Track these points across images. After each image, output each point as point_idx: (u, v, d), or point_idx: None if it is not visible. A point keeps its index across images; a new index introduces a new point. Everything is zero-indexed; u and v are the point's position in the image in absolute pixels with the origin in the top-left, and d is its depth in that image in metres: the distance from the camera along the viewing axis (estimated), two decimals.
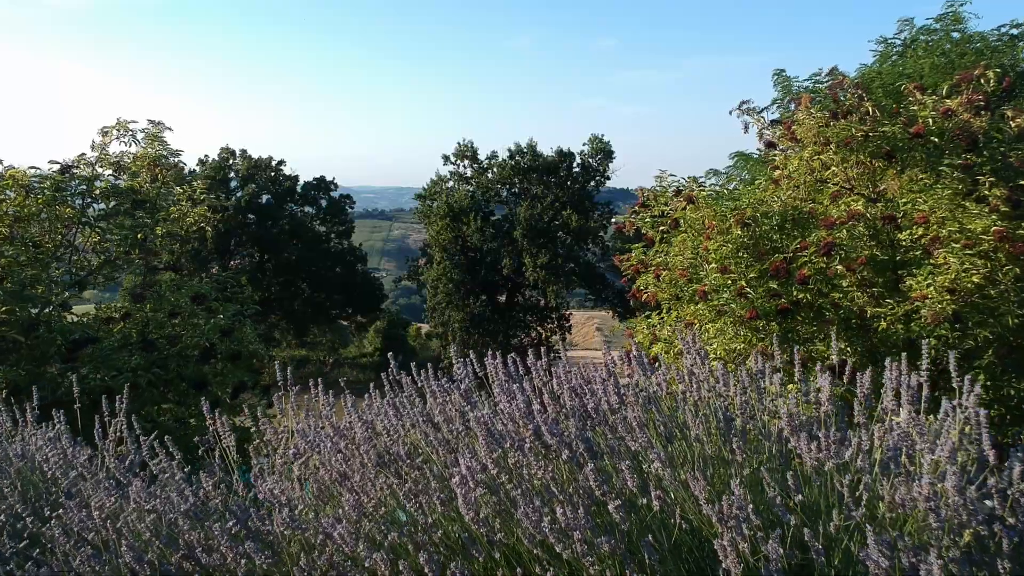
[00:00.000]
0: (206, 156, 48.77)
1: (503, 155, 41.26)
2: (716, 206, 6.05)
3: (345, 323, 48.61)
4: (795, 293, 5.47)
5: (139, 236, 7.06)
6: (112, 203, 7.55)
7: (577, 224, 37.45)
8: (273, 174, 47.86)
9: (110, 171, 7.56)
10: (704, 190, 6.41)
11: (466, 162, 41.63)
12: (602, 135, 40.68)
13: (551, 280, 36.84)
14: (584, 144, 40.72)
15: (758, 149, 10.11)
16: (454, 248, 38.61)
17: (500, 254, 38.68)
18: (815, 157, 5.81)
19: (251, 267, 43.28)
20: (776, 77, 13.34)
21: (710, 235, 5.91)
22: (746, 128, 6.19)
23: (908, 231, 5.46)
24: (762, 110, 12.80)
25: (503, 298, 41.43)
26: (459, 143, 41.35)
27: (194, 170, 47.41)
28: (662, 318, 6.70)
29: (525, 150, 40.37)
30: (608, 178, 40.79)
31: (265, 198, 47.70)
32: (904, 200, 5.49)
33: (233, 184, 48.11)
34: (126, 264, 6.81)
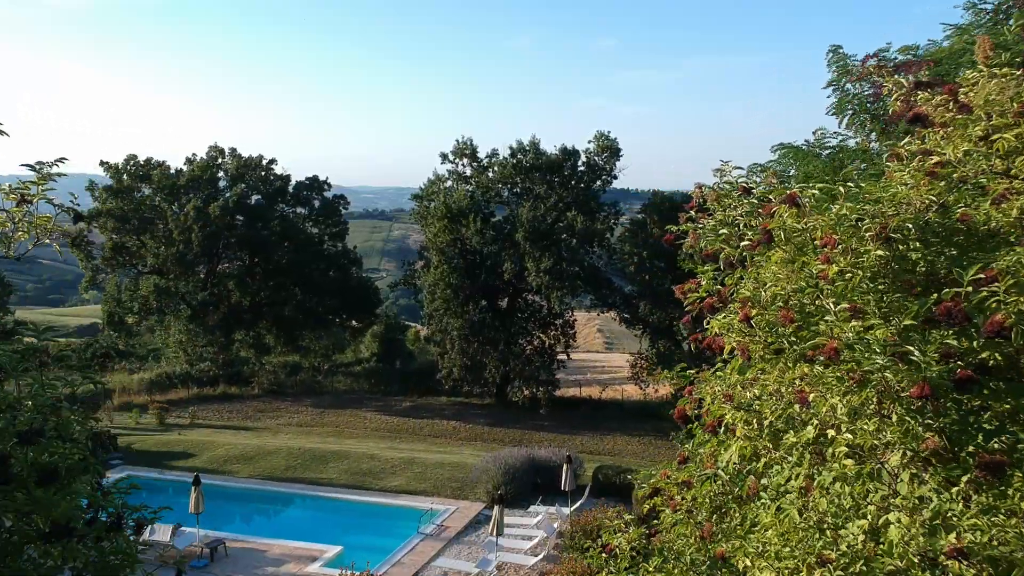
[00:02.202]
0: (194, 155, 46.78)
1: (504, 153, 39.24)
2: (838, 209, 3.97)
3: (340, 328, 46.50)
4: (981, 352, 3.40)
5: None
6: None
7: (582, 226, 35.36)
8: (264, 173, 45.84)
9: None
10: (811, 187, 4.32)
11: (465, 160, 39.54)
12: (608, 132, 38.63)
13: (555, 285, 34.73)
14: (589, 142, 38.65)
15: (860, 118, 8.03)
16: (452, 251, 36.52)
17: (501, 257, 36.58)
18: (996, 136, 3.73)
19: (239, 270, 41.14)
20: (831, 55, 11.24)
21: (829, 255, 3.83)
22: (880, 92, 4.09)
23: None
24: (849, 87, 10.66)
25: (504, 303, 39.36)
26: (458, 141, 39.29)
27: (181, 169, 45.44)
28: (749, 375, 4.59)
29: (527, 148, 38.26)
30: (615, 177, 38.68)
31: (255, 198, 45.67)
32: None
33: (222, 183, 46.11)
34: None
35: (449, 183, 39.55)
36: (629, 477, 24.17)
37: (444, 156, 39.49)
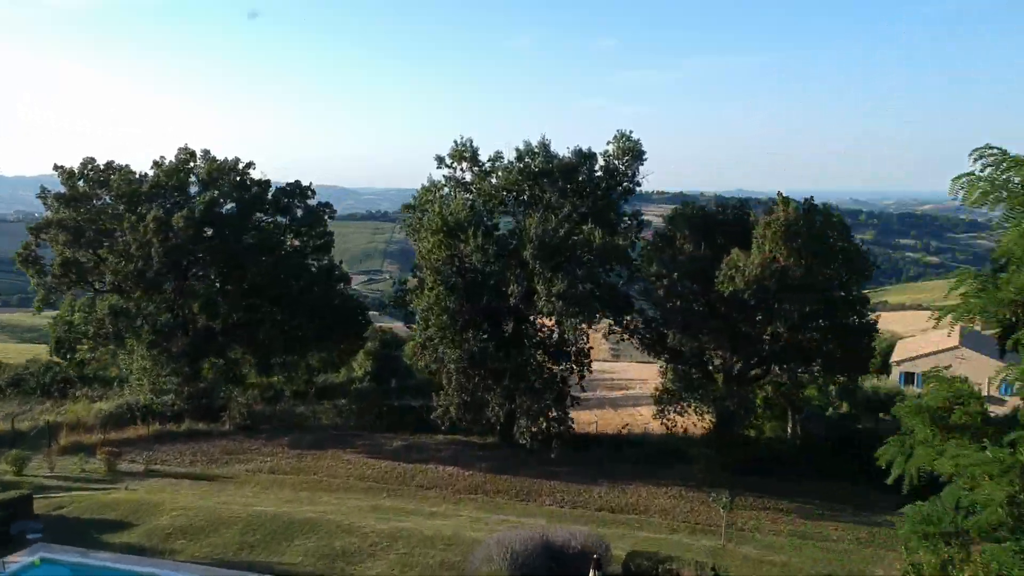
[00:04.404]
0: (162, 158, 41.80)
1: (509, 156, 34.06)
2: None
3: (323, 353, 41.35)
4: None
5: None
6: None
7: (601, 241, 30.22)
8: (239, 178, 40.76)
9: None
10: None
11: (465, 165, 34.40)
12: (630, 132, 33.48)
13: (570, 312, 29.61)
14: (608, 143, 33.51)
15: None
16: (449, 270, 31.45)
17: (505, 277, 31.48)
18: None
19: (207, 290, 35.96)
20: None
21: None
22: None
23: None
24: None
25: (509, 327, 34.19)
26: (456, 142, 34.12)
27: (146, 174, 40.50)
28: None
29: (536, 150, 33.14)
30: (638, 184, 33.55)
31: (230, 206, 40.59)
32: None
33: (194, 189, 41.09)
34: None
35: (446, 190, 34.43)
36: (671, 568, 19.13)
37: (440, 160, 34.37)
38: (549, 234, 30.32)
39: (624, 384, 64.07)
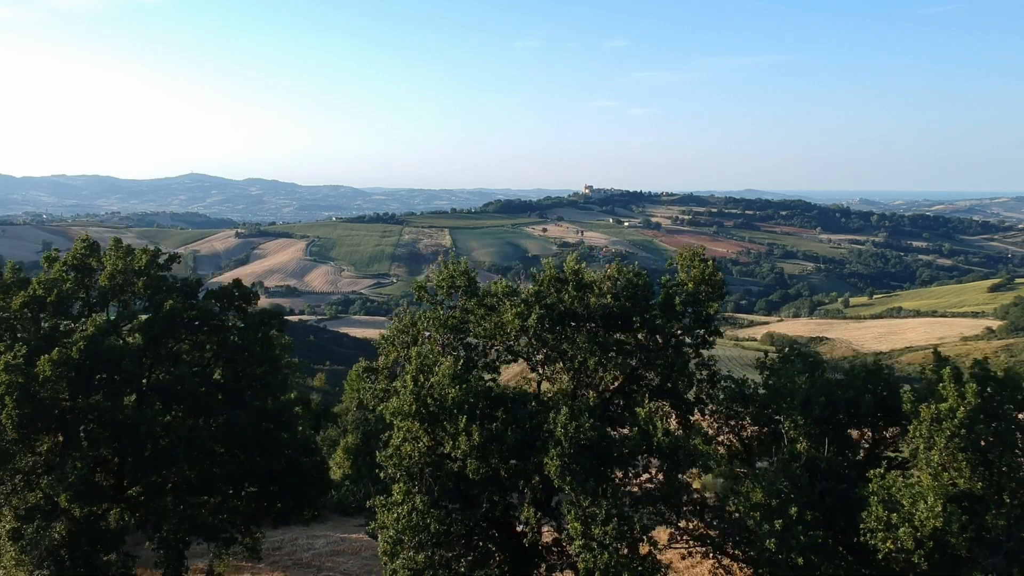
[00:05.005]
0: (55, 251, 31.12)
1: (516, 273, 23.03)
2: None
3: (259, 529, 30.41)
4: None
5: None
6: None
7: (666, 439, 19.09)
8: (155, 279, 29.82)
9: None
10: None
11: (458, 295, 23.25)
12: (701, 248, 22.30)
13: (620, 564, 18.48)
14: (672, 266, 22.38)
15: None
16: (430, 471, 20.45)
17: (518, 486, 20.46)
18: None
19: (81, 473, 24.78)
20: None
21: None
22: None
23: None
24: None
25: (522, 535, 23.17)
26: (445, 263, 22.95)
27: (25, 277, 29.84)
28: None
29: (564, 276, 22.03)
30: (720, 333, 22.38)
31: (136, 321, 29.69)
32: None
33: (96, 293, 30.37)
34: None
35: (428, 334, 23.23)
36: None
37: (421, 288, 23.25)
38: (585, 431, 19.18)
39: None
